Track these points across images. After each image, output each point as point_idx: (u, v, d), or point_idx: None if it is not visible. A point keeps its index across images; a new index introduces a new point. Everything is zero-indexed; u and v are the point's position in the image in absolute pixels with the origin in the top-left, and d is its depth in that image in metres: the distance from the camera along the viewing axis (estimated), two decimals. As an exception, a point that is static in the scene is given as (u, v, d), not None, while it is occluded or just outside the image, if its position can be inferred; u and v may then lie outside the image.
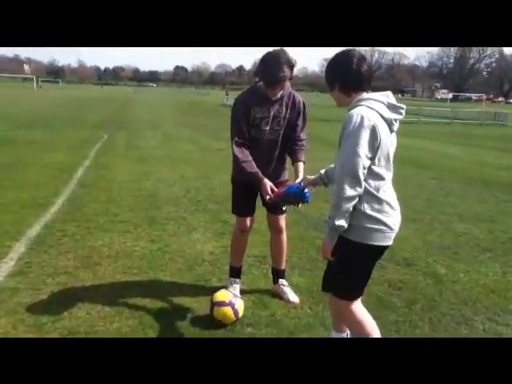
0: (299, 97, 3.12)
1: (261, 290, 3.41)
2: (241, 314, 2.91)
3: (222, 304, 2.85)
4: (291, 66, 2.85)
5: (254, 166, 2.96)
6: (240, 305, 2.91)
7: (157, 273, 3.69)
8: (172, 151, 10.64)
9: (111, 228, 4.77)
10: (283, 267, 3.46)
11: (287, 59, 2.82)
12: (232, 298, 2.89)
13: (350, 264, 2.23)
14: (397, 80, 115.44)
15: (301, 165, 3.13)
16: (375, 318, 3.03)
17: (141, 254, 4.09)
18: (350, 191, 2.03)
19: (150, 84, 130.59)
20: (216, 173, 7.92)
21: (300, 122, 3.15)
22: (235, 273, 3.40)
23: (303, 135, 3.19)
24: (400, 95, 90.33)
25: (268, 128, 3.02)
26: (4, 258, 3.84)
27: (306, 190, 2.76)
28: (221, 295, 2.93)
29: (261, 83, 2.96)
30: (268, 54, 2.86)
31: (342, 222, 2.06)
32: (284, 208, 3.28)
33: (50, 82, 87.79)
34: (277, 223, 3.38)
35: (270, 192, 2.89)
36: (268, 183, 2.92)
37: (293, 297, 3.29)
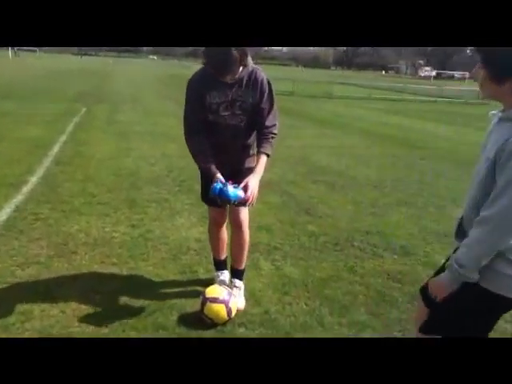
0: (262, 75, 2.57)
1: (251, 284, 3.15)
2: (234, 313, 2.65)
3: (214, 300, 2.59)
4: (243, 50, 2.33)
5: (208, 159, 2.58)
6: (234, 303, 2.65)
7: (138, 263, 3.39)
8: (154, 126, 10.21)
9: (88, 211, 4.43)
10: (242, 267, 2.97)
11: (241, 50, 2.31)
12: (226, 296, 2.63)
13: (478, 317, 1.73)
14: (381, 56, 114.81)
15: (262, 159, 2.62)
16: (376, 315, 2.84)
17: (120, 240, 3.78)
18: (502, 244, 1.58)
19: (151, 56, 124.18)
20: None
21: (265, 106, 2.60)
22: (220, 266, 3.13)
23: (270, 121, 2.64)
24: (384, 72, 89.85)
25: (228, 113, 2.57)
26: (-31, 245, 3.50)
27: (232, 190, 2.43)
28: (214, 290, 2.66)
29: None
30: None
31: (475, 276, 1.62)
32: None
33: (26, 51, 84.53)
34: (236, 216, 2.82)
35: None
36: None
37: (241, 303, 2.83)
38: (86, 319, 2.63)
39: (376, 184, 6.18)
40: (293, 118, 13.43)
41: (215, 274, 3.11)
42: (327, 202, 5.21)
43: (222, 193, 2.40)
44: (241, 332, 2.58)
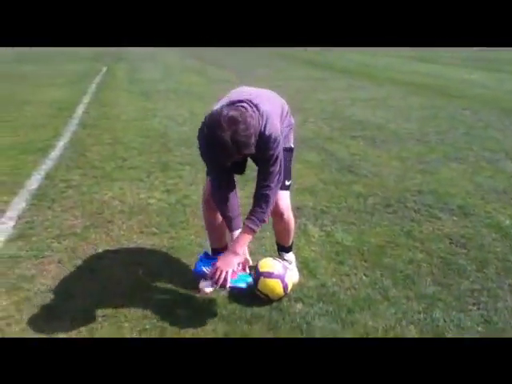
0: (269, 131, 2.09)
1: (302, 253, 2.91)
2: (290, 288, 2.42)
3: (269, 275, 2.35)
4: (245, 145, 1.93)
5: (229, 210, 2.25)
6: (290, 278, 2.42)
7: (179, 231, 3.17)
8: (177, 84, 9.87)
9: (121, 176, 4.22)
10: (289, 244, 2.65)
11: (236, 141, 1.89)
12: (281, 269, 2.38)
13: None
14: None
15: (244, 234, 2.22)
16: (444, 286, 2.57)
17: (157, 208, 3.57)
18: None
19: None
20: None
21: (265, 165, 2.18)
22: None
23: (267, 181, 2.18)
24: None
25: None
26: (1, 217, 3.33)
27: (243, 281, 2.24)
28: (267, 264, 2.42)
29: None
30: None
31: None
32: (288, 183, 2.48)
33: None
34: (276, 205, 2.37)
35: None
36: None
37: (295, 276, 2.58)
38: (131, 296, 2.43)
39: (419, 138, 5.78)
40: (320, 70, 12.88)
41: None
42: (370, 158, 4.87)
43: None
44: (298, 309, 2.36)
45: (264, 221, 2.24)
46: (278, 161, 2.16)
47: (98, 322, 2.23)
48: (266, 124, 2.08)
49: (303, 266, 2.75)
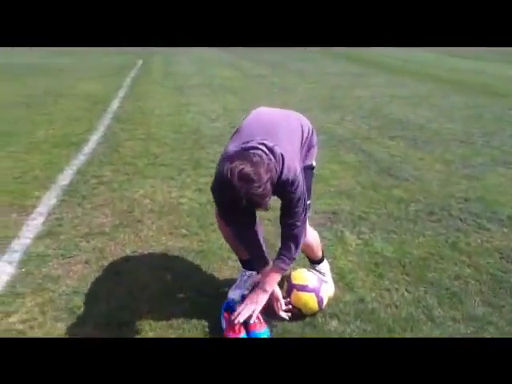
0: (286, 175, 1.91)
1: (338, 263, 2.73)
2: (326, 302, 2.25)
3: (302, 288, 2.20)
4: (260, 202, 1.76)
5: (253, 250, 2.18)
6: (326, 291, 2.25)
7: (209, 234, 3.04)
8: (211, 78, 9.77)
9: (153, 173, 4.13)
10: (319, 256, 2.47)
11: (250, 200, 1.71)
12: (316, 282, 2.22)
13: None
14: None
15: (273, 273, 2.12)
16: (496, 308, 2.35)
17: (188, 208, 3.45)
18: None
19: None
20: (263, 103, 7.08)
21: (288, 205, 2.04)
22: (247, 264, 2.41)
23: (292, 219, 2.04)
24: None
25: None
26: (32, 212, 3.29)
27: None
28: (301, 276, 2.26)
29: None
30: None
31: None
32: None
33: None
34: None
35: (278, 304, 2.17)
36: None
37: (330, 289, 2.39)
38: (157, 303, 2.32)
39: (463, 139, 5.47)
40: (359, 66, 12.55)
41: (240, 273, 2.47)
42: (411, 161, 4.62)
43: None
44: (334, 326, 2.19)
45: (294, 259, 2.14)
46: (301, 200, 2.00)
47: (122, 330, 2.13)
48: (282, 169, 1.89)
49: (339, 277, 2.58)
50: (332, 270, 2.62)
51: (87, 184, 3.84)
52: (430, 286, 2.52)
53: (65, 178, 3.97)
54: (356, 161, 4.61)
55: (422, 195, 3.75)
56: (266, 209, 1.85)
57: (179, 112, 6.77)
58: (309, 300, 2.19)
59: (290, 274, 2.29)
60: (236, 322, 2.01)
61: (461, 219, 3.33)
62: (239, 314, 2.02)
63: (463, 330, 2.16)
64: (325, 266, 2.50)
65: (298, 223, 2.04)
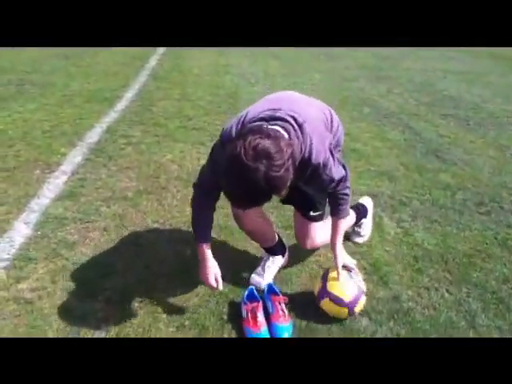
0: (316, 158, 1.64)
1: (374, 252, 2.50)
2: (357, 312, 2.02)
3: (337, 301, 1.93)
4: (280, 186, 1.41)
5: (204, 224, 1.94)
6: (362, 304, 2.00)
7: (236, 208, 2.85)
8: (255, 40, 9.36)
9: (183, 137, 3.94)
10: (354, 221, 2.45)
11: (268, 183, 1.36)
12: (353, 297, 1.92)
13: None
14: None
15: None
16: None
17: (217, 177, 3.25)
18: None
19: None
20: (306, 71, 6.72)
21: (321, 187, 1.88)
22: (270, 251, 2.28)
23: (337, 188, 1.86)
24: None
25: None
26: (55, 170, 3.17)
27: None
28: (339, 288, 1.93)
29: None
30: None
31: None
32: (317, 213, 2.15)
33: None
34: (303, 230, 2.19)
35: (211, 281, 1.88)
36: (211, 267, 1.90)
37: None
38: (174, 281, 2.17)
39: (521, 123, 5.00)
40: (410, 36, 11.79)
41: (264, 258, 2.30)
42: (462, 143, 4.24)
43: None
44: (364, 325, 1.98)
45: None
46: (335, 176, 1.76)
47: (134, 308, 1.99)
48: (311, 149, 1.61)
49: (374, 269, 2.35)
50: (366, 259, 2.41)
51: (115, 144, 3.69)
52: (474, 288, 2.25)
53: (93, 135, 3.83)
54: (401, 139, 4.27)
55: (470, 183, 3.42)
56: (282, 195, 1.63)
57: (218, 73, 6.51)
58: (340, 312, 1.94)
59: (327, 274, 2.03)
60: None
61: (513, 213, 3.01)
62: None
63: (510, 345, 1.91)
64: (351, 262, 2.16)
65: (340, 188, 1.85)
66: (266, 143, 1.35)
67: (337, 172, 1.76)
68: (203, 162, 3.37)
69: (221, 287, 1.86)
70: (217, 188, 1.69)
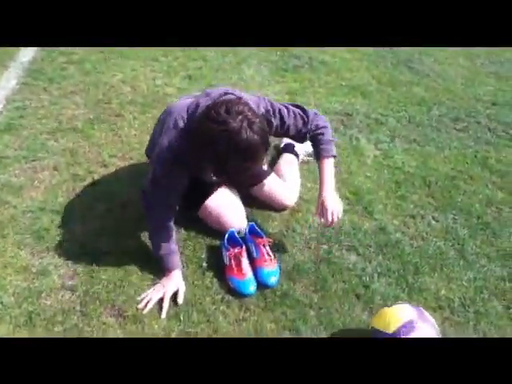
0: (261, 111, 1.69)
1: (354, 179, 2.35)
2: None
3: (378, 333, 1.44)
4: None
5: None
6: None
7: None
8: None
9: (133, 53, 3.46)
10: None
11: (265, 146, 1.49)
12: (402, 329, 1.37)
13: None
14: None
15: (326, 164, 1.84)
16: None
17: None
18: None
19: None
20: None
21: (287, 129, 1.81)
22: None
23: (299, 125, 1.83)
24: None
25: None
26: (-14, 98, 2.72)
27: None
28: (385, 321, 1.43)
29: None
30: (245, 146, 1.41)
31: None
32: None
33: None
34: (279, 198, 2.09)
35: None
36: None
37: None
38: (139, 224, 1.93)
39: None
40: None
41: None
42: (432, 52, 4.01)
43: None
44: (353, 261, 1.86)
45: (333, 140, 1.84)
46: (288, 112, 1.77)
47: (101, 261, 1.76)
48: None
49: (356, 198, 2.21)
50: (347, 188, 2.26)
51: (54, 63, 3.20)
52: (460, 213, 2.18)
53: (26, 53, 3.30)
54: (370, 48, 3.98)
55: (445, 96, 3.27)
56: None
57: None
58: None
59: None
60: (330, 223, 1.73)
61: (489, 129, 2.91)
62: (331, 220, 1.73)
63: (499, 273, 1.88)
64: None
65: (309, 125, 1.79)
66: (240, 107, 1.42)
67: (289, 113, 1.76)
68: (159, 82, 3.06)
69: (163, 315, 1.59)
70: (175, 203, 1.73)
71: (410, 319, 1.38)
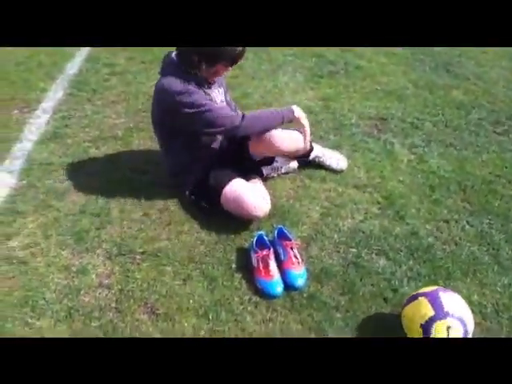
0: None
1: (387, 183, 2.33)
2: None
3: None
4: None
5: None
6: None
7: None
8: None
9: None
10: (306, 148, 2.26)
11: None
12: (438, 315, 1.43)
13: None
14: None
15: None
16: None
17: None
18: None
19: None
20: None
21: None
22: None
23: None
24: None
25: None
26: (36, 108, 2.90)
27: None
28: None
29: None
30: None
31: None
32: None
33: None
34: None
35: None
36: None
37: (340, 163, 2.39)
38: (175, 228, 2.01)
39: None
40: None
41: None
42: (473, 54, 3.91)
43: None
44: (382, 265, 1.86)
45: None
46: None
47: (136, 261, 1.85)
48: None
49: (388, 203, 2.20)
50: (380, 192, 2.25)
51: (98, 74, 3.36)
52: (496, 218, 2.13)
53: (73, 66, 3.49)
54: (408, 52, 3.93)
55: (485, 99, 3.18)
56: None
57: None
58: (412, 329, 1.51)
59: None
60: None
61: (533, 132, 2.81)
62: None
63: (536, 279, 1.82)
64: (318, 151, 2.38)
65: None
66: None
67: None
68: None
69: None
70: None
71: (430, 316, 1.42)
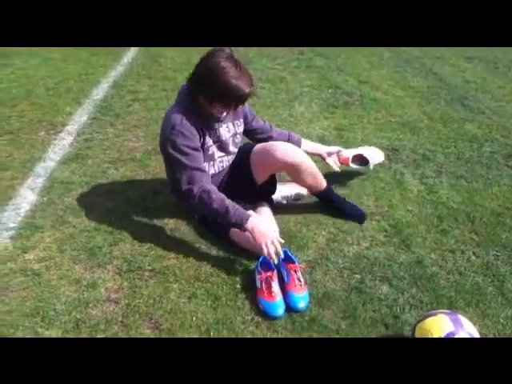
0: None
1: (395, 212, 2.36)
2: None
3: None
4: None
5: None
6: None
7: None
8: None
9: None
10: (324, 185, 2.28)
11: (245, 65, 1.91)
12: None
13: None
14: None
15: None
16: None
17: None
18: None
19: None
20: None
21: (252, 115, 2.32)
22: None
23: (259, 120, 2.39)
24: None
25: (222, 154, 2.16)
26: (61, 131, 3.05)
27: None
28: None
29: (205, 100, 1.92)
30: (223, 60, 1.82)
31: None
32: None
33: None
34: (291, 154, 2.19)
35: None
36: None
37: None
38: (185, 248, 2.08)
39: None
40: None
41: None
42: (490, 89, 3.97)
43: None
44: (385, 292, 1.87)
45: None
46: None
47: (144, 277, 1.92)
48: None
49: (395, 231, 2.22)
50: (387, 221, 2.28)
51: (122, 100, 3.53)
52: (503, 250, 2.12)
53: (99, 91, 3.67)
54: (424, 86, 4.02)
55: (499, 133, 3.21)
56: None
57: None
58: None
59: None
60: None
61: (545, 167, 2.82)
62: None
63: (541, 312, 1.80)
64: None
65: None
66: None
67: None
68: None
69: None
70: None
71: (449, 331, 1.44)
